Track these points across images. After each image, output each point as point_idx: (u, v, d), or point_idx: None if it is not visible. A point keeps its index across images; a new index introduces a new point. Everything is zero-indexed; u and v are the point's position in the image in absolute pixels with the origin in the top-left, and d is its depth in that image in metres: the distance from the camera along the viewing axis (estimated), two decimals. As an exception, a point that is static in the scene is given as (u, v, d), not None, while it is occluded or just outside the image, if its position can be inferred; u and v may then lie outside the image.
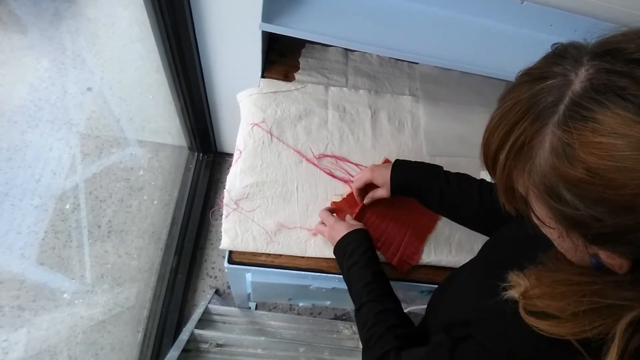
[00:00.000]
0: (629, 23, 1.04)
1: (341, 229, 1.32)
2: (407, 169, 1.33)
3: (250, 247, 1.39)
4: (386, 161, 1.63)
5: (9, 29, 2.43)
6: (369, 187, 1.44)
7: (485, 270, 1.00)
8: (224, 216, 1.43)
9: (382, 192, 1.38)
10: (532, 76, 0.64)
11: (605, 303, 0.61)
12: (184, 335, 1.75)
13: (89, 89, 2.39)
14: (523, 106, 0.62)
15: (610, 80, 0.55)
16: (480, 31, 1.64)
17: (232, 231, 1.40)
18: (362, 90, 1.78)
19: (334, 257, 1.32)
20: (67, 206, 2.11)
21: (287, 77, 1.75)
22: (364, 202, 1.44)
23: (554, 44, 0.68)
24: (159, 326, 2.11)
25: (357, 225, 1.37)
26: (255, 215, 1.44)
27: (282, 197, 1.48)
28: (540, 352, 0.70)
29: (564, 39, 1.27)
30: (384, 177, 1.35)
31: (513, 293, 0.72)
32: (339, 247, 1.29)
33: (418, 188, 1.32)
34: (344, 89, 1.77)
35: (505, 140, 0.64)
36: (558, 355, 0.67)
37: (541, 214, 0.66)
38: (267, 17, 1.47)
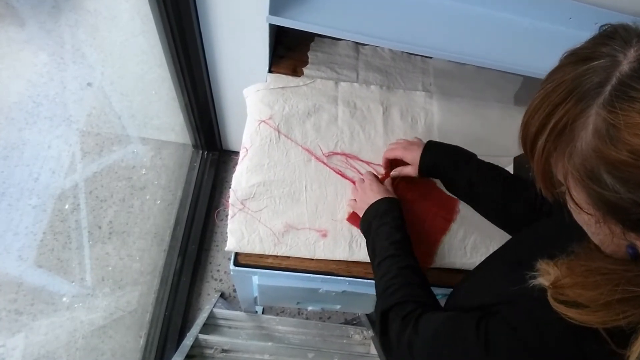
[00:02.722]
0: None
1: (376, 193, 1.35)
2: (438, 151, 1.35)
3: (257, 249, 1.39)
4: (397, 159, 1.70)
5: (6, 22, 2.41)
6: (397, 163, 1.46)
7: (513, 259, 1.01)
8: (229, 216, 1.43)
9: (410, 170, 1.40)
10: (578, 57, 0.64)
11: (639, 292, 0.62)
12: (187, 341, 1.76)
13: (89, 84, 2.40)
14: (567, 87, 0.62)
15: None
16: (497, 24, 1.64)
17: (238, 232, 1.40)
18: (374, 86, 1.78)
19: (361, 227, 1.35)
20: (67, 206, 2.12)
21: (296, 72, 1.74)
22: (391, 174, 1.46)
23: (602, 25, 0.67)
24: (162, 331, 2.12)
25: (392, 194, 1.40)
26: (262, 215, 1.44)
27: (290, 196, 1.49)
28: (568, 338, 0.70)
29: (583, 31, 1.29)
30: (414, 156, 1.37)
31: (542, 281, 0.73)
32: (372, 208, 1.32)
33: (446, 173, 1.34)
34: (355, 84, 1.77)
35: (546, 123, 0.65)
36: (586, 341, 0.67)
37: (579, 198, 0.66)
38: (274, 9, 1.46)
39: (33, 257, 1.95)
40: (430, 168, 1.36)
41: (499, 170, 1.31)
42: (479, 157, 1.35)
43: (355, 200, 1.46)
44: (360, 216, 1.38)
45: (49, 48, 2.41)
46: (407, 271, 1.15)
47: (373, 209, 1.33)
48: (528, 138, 0.70)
